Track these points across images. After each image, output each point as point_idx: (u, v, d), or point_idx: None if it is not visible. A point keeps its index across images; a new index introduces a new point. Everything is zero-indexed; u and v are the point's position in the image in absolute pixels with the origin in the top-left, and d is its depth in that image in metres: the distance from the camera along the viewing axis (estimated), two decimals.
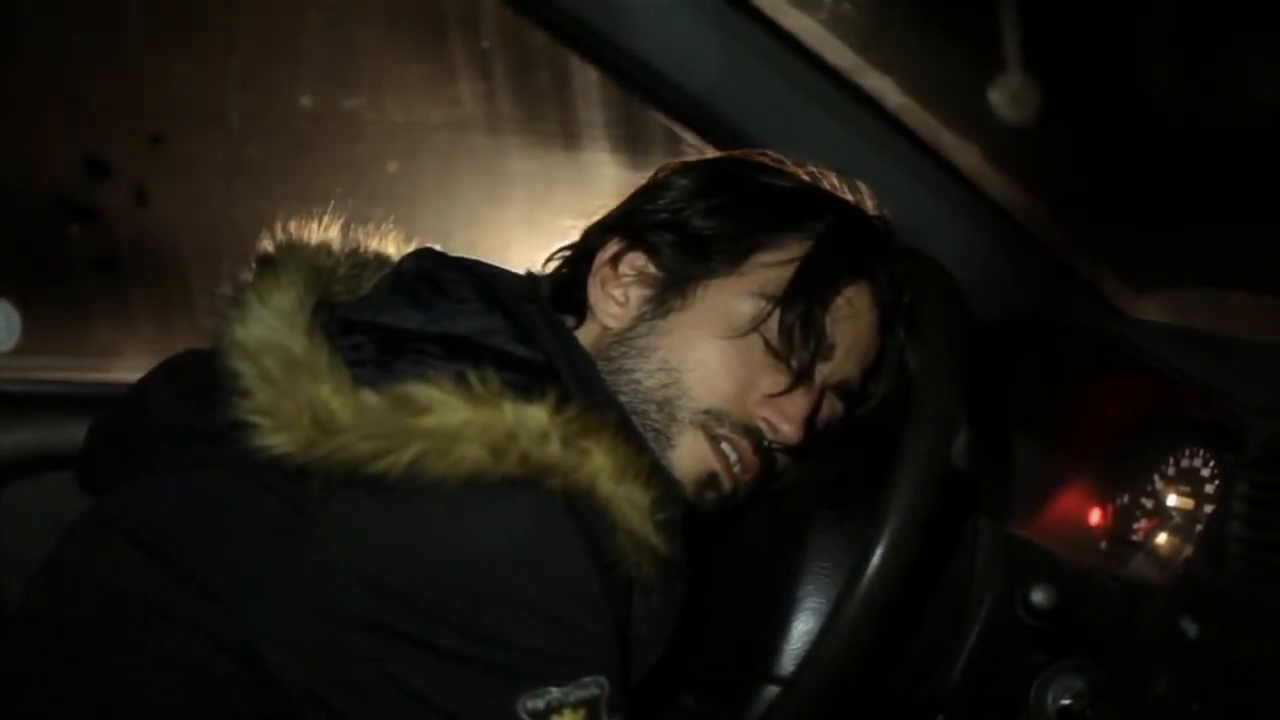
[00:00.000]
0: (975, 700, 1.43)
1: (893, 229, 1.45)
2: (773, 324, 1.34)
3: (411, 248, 1.39)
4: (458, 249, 1.37)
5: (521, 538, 1.08)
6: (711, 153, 1.57)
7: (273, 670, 1.09)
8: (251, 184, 2.50)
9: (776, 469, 1.40)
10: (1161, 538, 1.70)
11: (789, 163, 1.46)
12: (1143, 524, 1.76)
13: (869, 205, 1.46)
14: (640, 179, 1.48)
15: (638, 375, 1.33)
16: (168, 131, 2.47)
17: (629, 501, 1.13)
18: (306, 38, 2.51)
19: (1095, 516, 1.86)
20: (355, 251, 1.40)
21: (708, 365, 1.33)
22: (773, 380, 1.34)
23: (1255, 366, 1.61)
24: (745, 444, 1.34)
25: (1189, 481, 1.71)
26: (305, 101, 2.50)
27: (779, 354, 1.34)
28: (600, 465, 1.12)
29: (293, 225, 1.36)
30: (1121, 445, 1.87)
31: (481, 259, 1.36)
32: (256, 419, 1.09)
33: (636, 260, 1.39)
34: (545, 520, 1.09)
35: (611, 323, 1.38)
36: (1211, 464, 1.68)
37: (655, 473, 1.17)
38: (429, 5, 2.54)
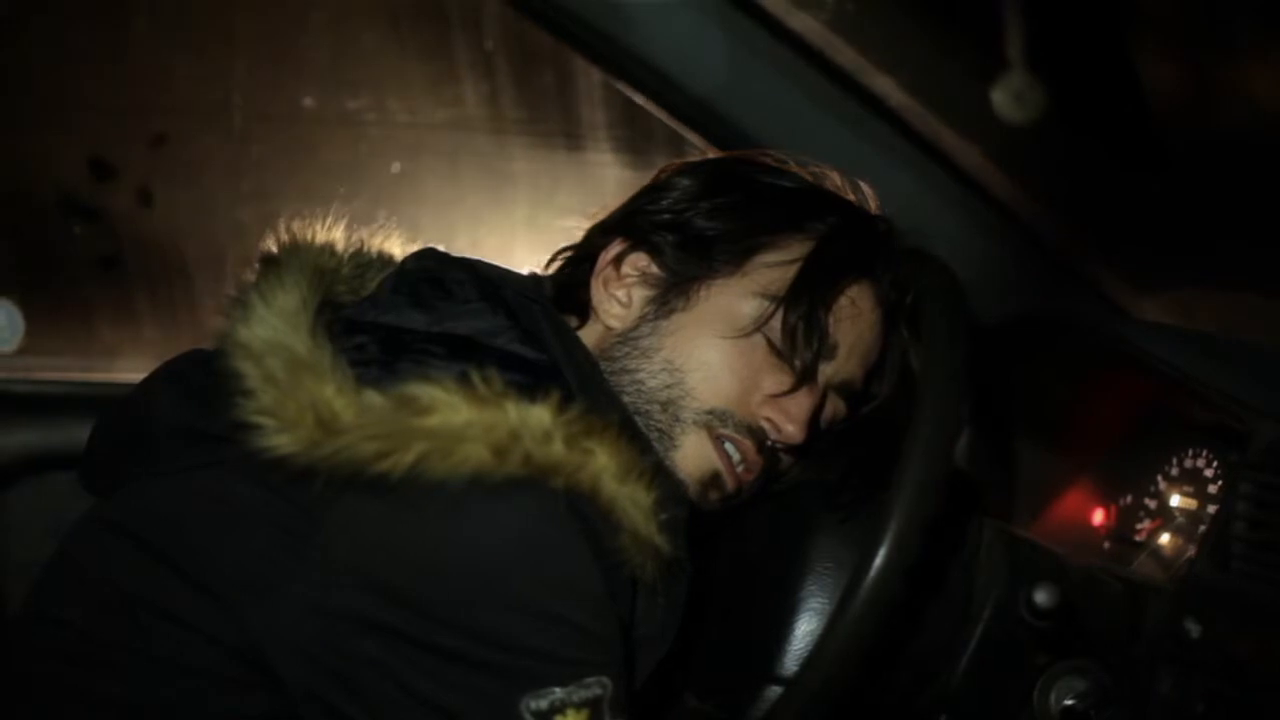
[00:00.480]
0: (978, 700, 1.42)
1: (895, 229, 1.45)
2: (776, 324, 1.34)
3: (414, 248, 1.39)
4: (461, 249, 1.37)
5: (524, 538, 1.09)
6: (714, 153, 1.57)
7: (275, 671, 1.09)
8: (255, 184, 2.50)
9: (779, 469, 1.40)
10: (1164, 538, 1.69)
11: (791, 163, 1.46)
12: (1146, 524, 1.76)
13: (871, 205, 1.47)
14: (643, 180, 1.48)
15: (641, 375, 1.34)
16: (171, 132, 2.46)
17: (632, 501, 1.13)
18: (309, 38, 2.51)
19: (1098, 517, 1.86)
20: (358, 252, 1.40)
21: (711, 365, 1.33)
22: (776, 380, 1.34)
23: (1258, 367, 1.61)
24: (748, 444, 1.34)
25: (1192, 482, 1.71)
26: (308, 102, 2.50)
27: (782, 354, 1.34)
28: (603, 465, 1.12)
29: (296, 225, 1.36)
30: (1124, 446, 1.87)
31: (484, 259, 1.36)
32: (260, 420, 1.09)
33: (639, 261, 1.39)
34: (548, 520, 1.09)
35: (614, 323, 1.38)
36: (1215, 465, 1.67)
37: (658, 473, 1.17)
38: (432, 6, 2.54)
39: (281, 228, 1.35)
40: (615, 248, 1.40)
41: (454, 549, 1.08)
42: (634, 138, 2.55)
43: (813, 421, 1.36)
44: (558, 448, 1.10)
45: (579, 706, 1.05)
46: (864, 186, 1.47)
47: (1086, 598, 1.46)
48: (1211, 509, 1.63)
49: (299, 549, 1.09)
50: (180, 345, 1.37)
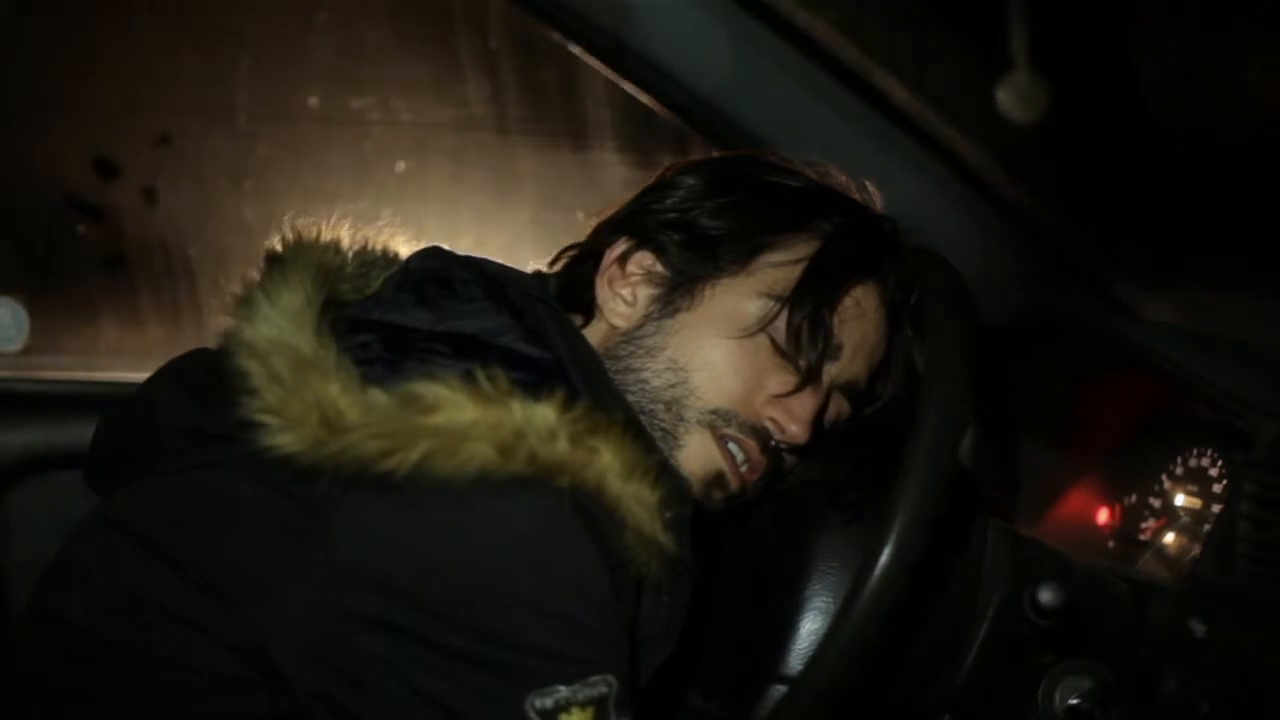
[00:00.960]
0: (983, 700, 1.42)
1: (900, 228, 1.45)
2: (780, 324, 1.34)
3: (419, 246, 1.39)
4: (465, 248, 1.37)
5: (529, 536, 1.08)
6: (719, 152, 1.57)
7: (281, 670, 1.09)
8: (259, 183, 2.50)
9: (784, 469, 1.40)
10: (1169, 537, 1.70)
11: (796, 162, 1.46)
12: (1150, 524, 1.76)
13: (877, 205, 1.46)
14: (648, 178, 1.48)
15: (645, 375, 1.34)
16: (176, 131, 2.47)
17: (637, 500, 1.13)
18: (314, 37, 2.51)
19: (1103, 516, 1.86)
20: (363, 250, 1.40)
21: (715, 365, 1.33)
22: (780, 380, 1.34)
23: (1264, 367, 1.61)
24: (752, 444, 1.34)
25: (1197, 481, 1.71)
26: (313, 101, 2.50)
27: (786, 354, 1.34)
28: (608, 464, 1.12)
29: (300, 224, 1.36)
30: (1129, 445, 1.87)
31: (489, 258, 1.36)
32: (264, 418, 1.08)
33: (644, 259, 1.39)
34: (553, 519, 1.09)
35: (619, 322, 1.38)
36: (1219, 464, 1.67)
37: (663, 471, 1.17)
38: (437, 4, 2.54)
39: (286, 226, 1.35)
40: (620, 246, 1.40)
41: (459, 548, 1.08)
42: (639, 136, 2.55)
43: (817, 421, 1.36)
44: (563, 446, 1.10)
45: (584, 705, 1.05)
46: (869, 186, 1.47)
47: (1091, 597, 1.46)
48: (1216, 508, 1.63)
49: (303, 548, 1.09)
50: (184, 344, 1.38)
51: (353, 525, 1.08)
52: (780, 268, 1.36)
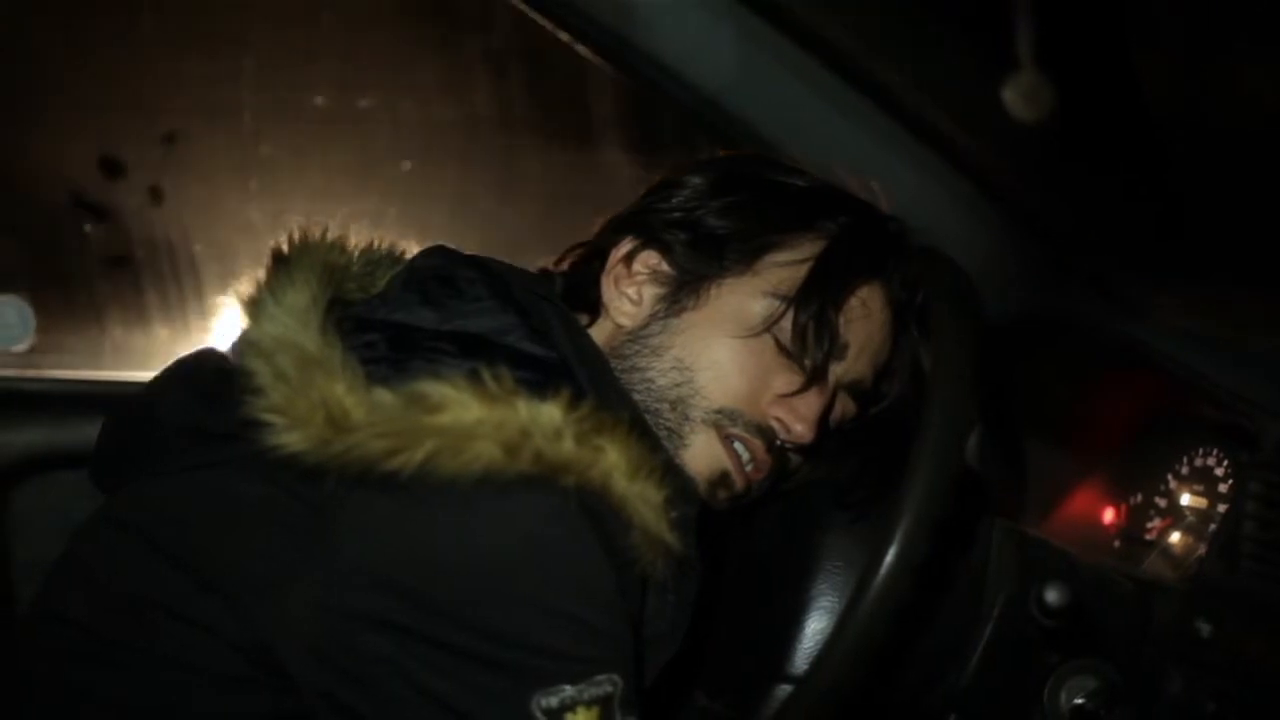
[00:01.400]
0: (988, 699, 1.42)
1: (906, 228, 1.45)
2: (786, 324, 1.34)
3: (424, 245, 1.39)
4: (471, 247, 1.37)
5: (535, 536, 1.08)
6: (724, 151, 1.57)
7: (286, 669, 1.09)
8: (265, 182, 2.50)
9: (789, 468, 1.40)
10: (1175, 537, 1.70)
11: (802, 162, 1.45)
12: (1156, 523, 1.76)
13: (882, 204, 1.46)
14: (653, 177, 1.48)
15: (651, 374, 1.33)
16: (182, 130, 2.47)
17: (643, 499, 1.13)
18: (320, 37, 2.51)
19: (1109, 516, 1.86)
20: (368, 249, 1.40)
21: (720, 365, 1.33)
22: (786, 380, 1.34)
23: (1269, 367, 1.61)
24: (758, 443, 1.34)
25: (1202, 481, 1.71)
26: (319, 100, 2.50)
27: (792, 354, 1.34)
28: (614, 463, 1.12)
29: (306, 223, 1.36)
30: (1135, 445, 1.87)
31: (494, 257, 1.36)
32: (270, 417, 1.09)
33: (650, 259, 1.39)
34: (559, 518, 1.09)
35: (625, 321, 1.38)
36: (1225, 464, 1.67)
37: (669, 470, 1.17)
38: (442, 4, 2.54)
39: (292, 225, 1.35)
40: (626, 245, 1.40)
41: (464, 547, 1.08)
42: (644, 136, 2.55)
43: (822, 421, 1.36)
44: (568, 445, 1.10)
45: (589, 704, 1.05)
46: (874, 185, 1.47)
47: (1097, 597, 1.46)
48: (1222, 508, 1.63)
49: (308, 547, 1.09)
50: (190, 344, 1.38)
51: (358, 524, 1.08)
52: (786, 267, 1.36)
